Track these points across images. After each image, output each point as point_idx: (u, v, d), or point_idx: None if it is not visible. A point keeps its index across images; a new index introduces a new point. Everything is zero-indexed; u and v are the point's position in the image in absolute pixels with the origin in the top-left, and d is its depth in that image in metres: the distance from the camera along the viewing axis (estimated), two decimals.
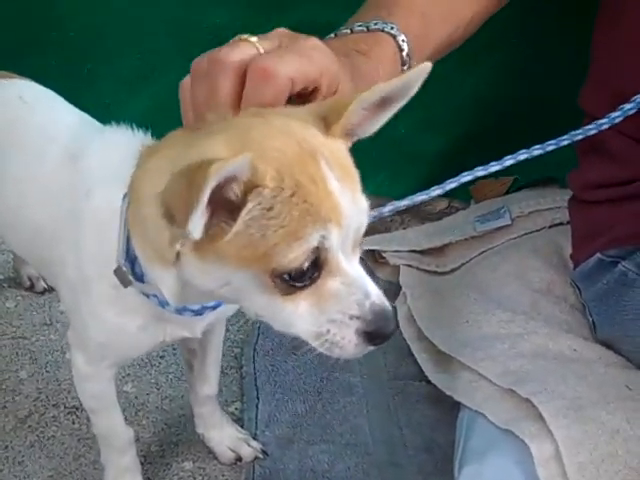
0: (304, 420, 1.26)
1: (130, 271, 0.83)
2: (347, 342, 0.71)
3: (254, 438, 1.22)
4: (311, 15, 1.44)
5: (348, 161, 0.75)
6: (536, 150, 0.95)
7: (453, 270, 1.48)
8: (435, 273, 1.50)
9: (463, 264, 1.48)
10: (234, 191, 0.66)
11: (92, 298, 0.92)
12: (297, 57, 0.78)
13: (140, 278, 0.83)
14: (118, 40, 1.62)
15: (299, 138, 0.71)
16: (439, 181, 1.83)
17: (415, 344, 1.37)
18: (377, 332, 0.71)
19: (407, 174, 1.73)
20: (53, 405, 1.29)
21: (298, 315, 0.71)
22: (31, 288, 1.51)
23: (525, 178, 1.66)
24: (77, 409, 1.27)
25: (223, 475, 1.19)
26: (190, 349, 1.14)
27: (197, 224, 0.64)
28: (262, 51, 0.78)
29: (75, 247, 0.91)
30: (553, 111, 1.54)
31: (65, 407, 1.28)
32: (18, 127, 1.06)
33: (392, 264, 1.51)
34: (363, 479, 1.16)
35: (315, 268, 0.69)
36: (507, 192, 1.66)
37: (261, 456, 1.21)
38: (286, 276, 0.69)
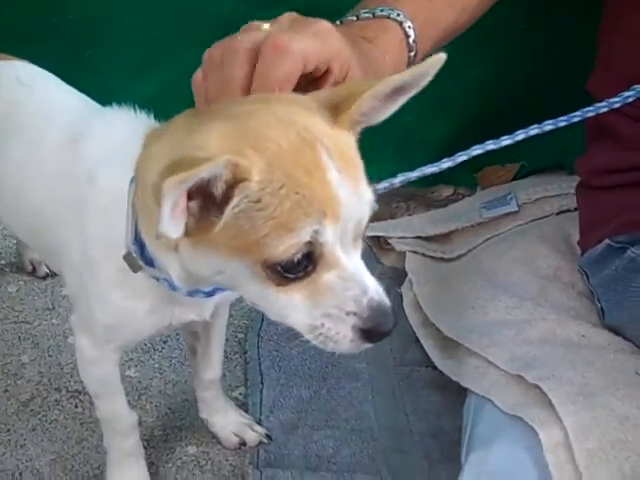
0: (309, 405, 1.25)
1: (139, 256, 0.82)
2: (342, 337, 0.69)
3: (258, 423, 1.21)
4: (316, 1, 1.43)
5: (352, 151, 0.73)
6: (548, 125, 0.93)
7: (459, 256, 1.47)
8: (441, 259, 1.48)
9: (469, 250, 1.47)
10: (217, 188, 0.65)
11: (99, 281, 0.90)
12: (310, 37, 0.77)
13: (150, 262, 0.82)
14: (121, 26, 1.60)
15: (300, 127, 0.69)
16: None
17: (421, 330, 1.36)
18: (374, 330, 0.69)
19: (412, 161, 1.71)
20: (55, 389, 1.28)
21: (292, 307, 0.69)
22: (33, 272, 1.49)
23: (532, 165, 1.65)
24: (79, 393, 1.26)
25: (227, 460, 1.18)
26: (193, 333, 1.13)
27: (169, 226, 0.63)
28: None
29: (80, 231, 0.90)
30: (562, 96, 1.52)
31: (67, 391, 1.27)
32: (16, 109, 1.05)
33: (398, 250, 1.49)
34: (369, 465, 1.15)
35: (309, 261, 0.68)
36: (514, 179, 1.64)
37: (265, 441, 1.20)
38: (278, 267, 0.67)
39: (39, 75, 1.11)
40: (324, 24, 0.80)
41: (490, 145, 0.94)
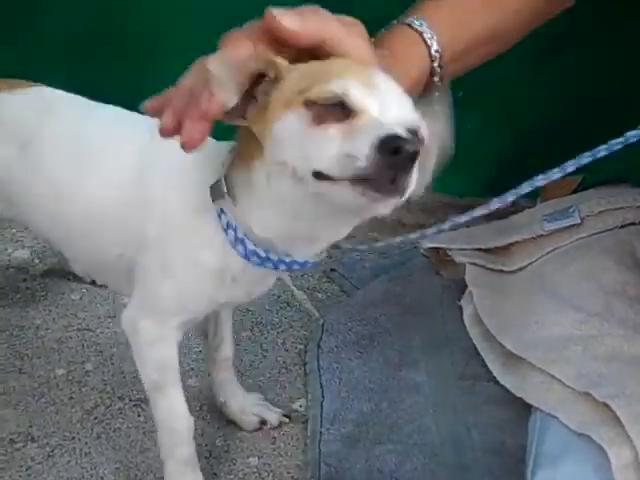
0: (370, 419, 1.24)
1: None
2: (361, 154, 0.76)
3: (319, 436, 1.21)
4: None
5: None
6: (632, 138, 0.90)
7: (520, 269, 1.45)
8: (501, 272, 1.47)
9: (530, 263, 1.45)
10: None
11: (173, 231, 0.97)
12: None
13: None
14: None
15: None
16: (502, 181, 1.80)
17: (482, 344, 1.34)
18: (389, 140, 0.76)
19: (470, 173, 1.71)
20: (119, 397, 1.29)
21: (326, 141, 0.79)
22: (93, 283, 1.52)
23: (593, 177, 1.62)
24: (142, 402, 1.27)
25: (289, 472, 1.18)
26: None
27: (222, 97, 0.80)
28: None
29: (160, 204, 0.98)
30: (627, 109, 1.51)
31: (130, 400, 1.29)
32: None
33: (457, 262, 1.48)
34: None
35: (344, 109, 0.80)
36: (575, 191, 1.61)
37: (286, 420, 1.25)
38: (317, 105, 0.81)
39: (71, 100, 1.14)
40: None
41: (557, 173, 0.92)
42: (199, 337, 1.35)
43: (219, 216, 0.93)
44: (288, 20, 0.84)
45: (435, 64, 1.01)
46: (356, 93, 0.80)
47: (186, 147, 0.83)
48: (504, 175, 1.68)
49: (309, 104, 0.81)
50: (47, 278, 1.56)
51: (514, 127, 1.73)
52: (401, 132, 0.77)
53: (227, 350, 1.22)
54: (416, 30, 1.00)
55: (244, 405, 1.24)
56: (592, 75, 1.63)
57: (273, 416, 1.25)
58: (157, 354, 1.03)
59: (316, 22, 0.86)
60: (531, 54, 1.56)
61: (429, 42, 1.00)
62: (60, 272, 1.57)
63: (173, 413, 1.07)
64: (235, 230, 0.92)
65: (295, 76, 0.84)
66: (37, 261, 1.61)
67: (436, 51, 1.00)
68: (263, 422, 1.24)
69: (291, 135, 0.82)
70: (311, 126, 0.80)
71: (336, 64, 0.85)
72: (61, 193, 1.06)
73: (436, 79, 1.02)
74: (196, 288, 0.99)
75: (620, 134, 1.06)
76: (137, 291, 1.04)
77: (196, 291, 0.99)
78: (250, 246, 0.92)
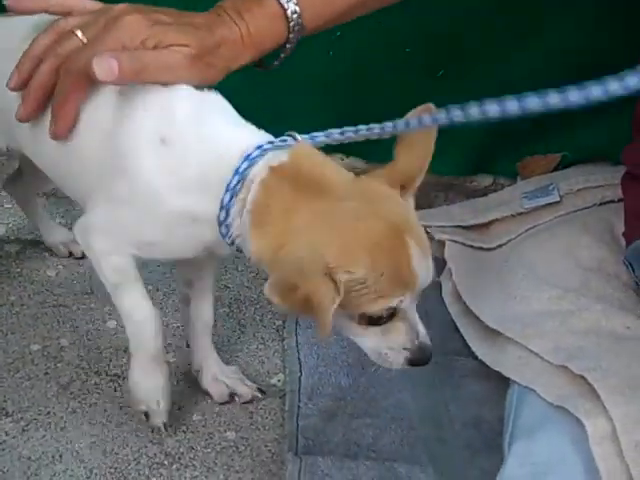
0: (348, 394, 1.24)
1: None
2: (395, 362, 0.98)
3: (297, 410, 1.21)
4: None
5: (421, 228, 0.98)
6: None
7: (499, 246, 1.46)
8: (480, 249, 1.47)
9: (509, 240, 1.46)
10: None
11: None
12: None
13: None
14: None
15: (393, 220, 0.93)
16: (483, 161, 1.80)
17: (461, 319, 1.34)
18: (418, 361, 0.98)
19: (451, 151, 1.70)
20: (95, 372, 1.28)
21: (368, 339, 0.98)
22: (70, 256, 1.50)
23: (574, 155, 1.63)
24: (119, 377, 1.26)
25: (266, 446, 1.18)
26: (188, 281, 1.20)
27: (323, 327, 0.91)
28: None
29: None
30: None
31: (107, 375, 1.27)
32: None
33: (437, 239, 1.48)
34: (408, 453, 1.14)
35: (389, 315, 0.95)
36: (555, 169, 1.62)
37: (259, 395, 1.23)
38: (368, 318, 0.95)
39: None
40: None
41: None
42: (177, 312, 1.35)
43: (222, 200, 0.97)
44: None
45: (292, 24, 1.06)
46: (407, 303, 0.94)
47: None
48: (486, 155, 1.68)
49: (362, 315, 0.94)
50: (23, 255, 1.54)
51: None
52: (429, 343, 0.97)
53: (209, 314, 1.21)
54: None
55: (218, 375, 1.23)
56: (575, 54, 1.62)
57: (245, 390, 1.23)
58: (114, 261, 1.06)
59: None
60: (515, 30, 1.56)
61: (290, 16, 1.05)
62: (36, 249, 1.55)
63: (137, 305, 1.08)
64: (228, 228, 0.99)
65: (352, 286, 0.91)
66: (13, 238, 1.59)
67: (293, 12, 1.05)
68: (233, 394, 1.23)
69: (335, 322, 0.92)
70: (358, 326, 0.96)
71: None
72: None
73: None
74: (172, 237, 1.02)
75: None
76: (98, 208, 1.05)
77: (171, 240, 1.02)
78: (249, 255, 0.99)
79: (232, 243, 1.00)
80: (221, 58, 1.01)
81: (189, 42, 0.98)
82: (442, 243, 1.47)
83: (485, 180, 1.69)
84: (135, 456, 1.15)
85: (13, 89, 1.04)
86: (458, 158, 1.67)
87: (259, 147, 0.97)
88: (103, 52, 0.95)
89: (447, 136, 1.67)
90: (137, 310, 1.08)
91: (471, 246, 1.47)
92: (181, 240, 1.02)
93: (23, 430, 1.17)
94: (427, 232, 1.49)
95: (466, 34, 1.57)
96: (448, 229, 1.50)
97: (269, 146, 0.97)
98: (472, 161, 1.68)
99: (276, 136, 1.00)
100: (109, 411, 1.22)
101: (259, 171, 0.96)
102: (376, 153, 1.66)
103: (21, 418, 1.19)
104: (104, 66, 0.94)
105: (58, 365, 1.29)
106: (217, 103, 1.02)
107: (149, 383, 1.12)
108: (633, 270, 1.24)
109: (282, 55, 1.10)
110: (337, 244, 0.90)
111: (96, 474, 1.12)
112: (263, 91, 1.52)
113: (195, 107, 1.00)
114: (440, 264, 1.44)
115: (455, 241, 1.47)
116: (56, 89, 1.01)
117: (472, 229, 1.51)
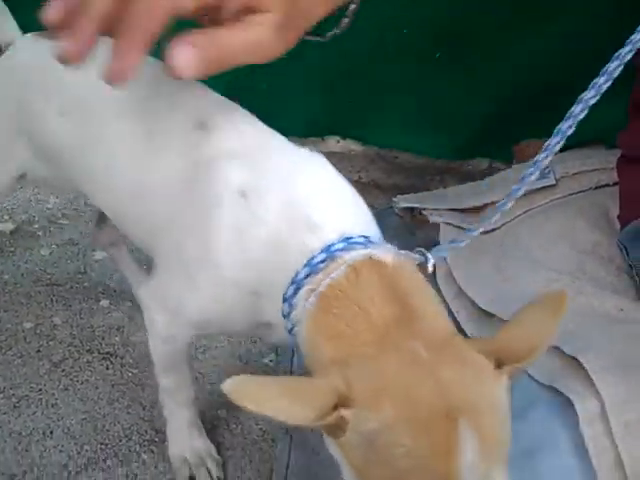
0: None
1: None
2: None
3: None
4: None
5: (499, 417, 0.77)
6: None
7: (494, 229, 1.45)
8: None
9: (504, 224, 1.45)
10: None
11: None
12: None
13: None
14: None
15: (455, 393, 0.70)
16: (477, 145, 1.79)
17: (454, 302, 1.34)
18: None
19: (446, 135, 1.70)
20: (87, 350, 1.28)
21: None
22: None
23: (570, 139, 1.62)
24: (111, 355, 1.27)
25: (257, 424, 1.18)
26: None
27: None
28: None
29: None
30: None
31: (99, 353, 1.28)
32: None
33: (431, 222, 1.47)
34: None
35: None
36: None
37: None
38: None
39: None
40: None
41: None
42: None
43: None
44: None
45: None
46: None
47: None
48: (482, 138, 1.68)
49: None
50: (16, 234, 1.54)
51: (497, 93, 1.72)
52: None
53: None
54: None
55: None
56: (574, 39, 1.62)
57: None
58: (169, 349, 1.00)
59: None
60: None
61: None
62: (30, 228, 1.55)
63: (179, 387, 1.06)
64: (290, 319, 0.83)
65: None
66: (7, 217, 1.59)
67: None
68: None
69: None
70: None
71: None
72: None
73: None
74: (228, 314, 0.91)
75: None
76: (165, 275, 0.96)
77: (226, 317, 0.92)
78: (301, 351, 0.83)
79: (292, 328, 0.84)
80: (299, 16, 0.82)
81: (272, 5, 0.79)
82: (437, 226, 1.47)
83: (481, 164, 1.69)
84: (126, 433, 1.15)
85: (52, 19, 0.73)
86: (454, 142, 1.67)
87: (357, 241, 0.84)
88: (179, 40, 0.74)
89: (443, 120, 1.70)
90: (178, 393, 1.06)
91: (466, 229, 1.46)
92: (238, 316, 0.91)
93: (14, 406, 1.18)
94: (422, 214, 1.51)
95: (464, 17, 1.56)
96: (443, 212, 1.49)
97: (362, 240, 0.85)
98: (468, 145, 1.68)
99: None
100: (100, 388, 1.22)
101: (356, 256, 0.81)
102: (372, 135, 1.68)
103: (12, 395, 1.19)
104: (182, 58, 0.72)
105: (50, 343, 1.29)
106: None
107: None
108: (627, 253, 1.23)
109: (346, 17, 0.93)
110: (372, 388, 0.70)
111: (87, 450, 1.12)
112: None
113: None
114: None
115: (450, 224, 1.47)
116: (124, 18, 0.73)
117: (467, 212, 1.50)
